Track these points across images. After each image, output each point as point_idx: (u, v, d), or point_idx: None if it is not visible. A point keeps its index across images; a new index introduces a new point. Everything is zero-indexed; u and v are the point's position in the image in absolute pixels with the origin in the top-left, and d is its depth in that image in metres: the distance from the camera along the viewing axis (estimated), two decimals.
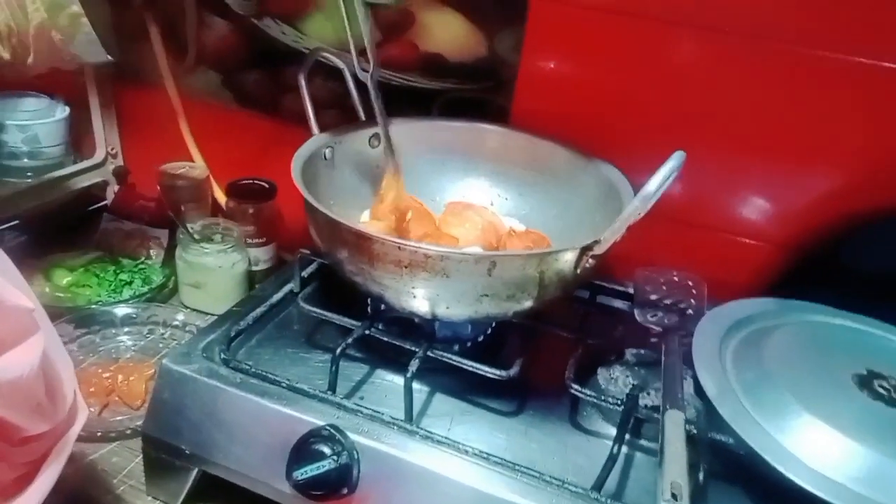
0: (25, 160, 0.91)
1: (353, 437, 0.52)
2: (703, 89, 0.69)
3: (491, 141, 0.75)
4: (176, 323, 0.81)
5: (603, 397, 0.56)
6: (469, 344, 0.64)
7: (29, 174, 0.91)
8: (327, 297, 0.69)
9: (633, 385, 0.59)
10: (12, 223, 0.92)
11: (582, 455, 0.54)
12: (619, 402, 0.55)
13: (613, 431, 0.52)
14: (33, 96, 0.94)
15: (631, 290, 0.69)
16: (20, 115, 0.90)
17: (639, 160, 0.55)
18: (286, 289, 0.68)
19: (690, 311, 0.64)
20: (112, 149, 1.00)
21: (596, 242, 0.52)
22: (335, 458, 0.50)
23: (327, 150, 0.68)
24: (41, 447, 0.45)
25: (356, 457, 0.51)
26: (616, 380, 0.61)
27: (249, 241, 0.89)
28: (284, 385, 0.56)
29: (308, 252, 0.71)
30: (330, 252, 0.57)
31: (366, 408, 0.55)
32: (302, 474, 0.50)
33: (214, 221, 0.87)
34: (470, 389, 0.60)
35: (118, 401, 0.69)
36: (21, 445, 0.43)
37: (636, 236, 0.71)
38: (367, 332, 0.60)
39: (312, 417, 0.53)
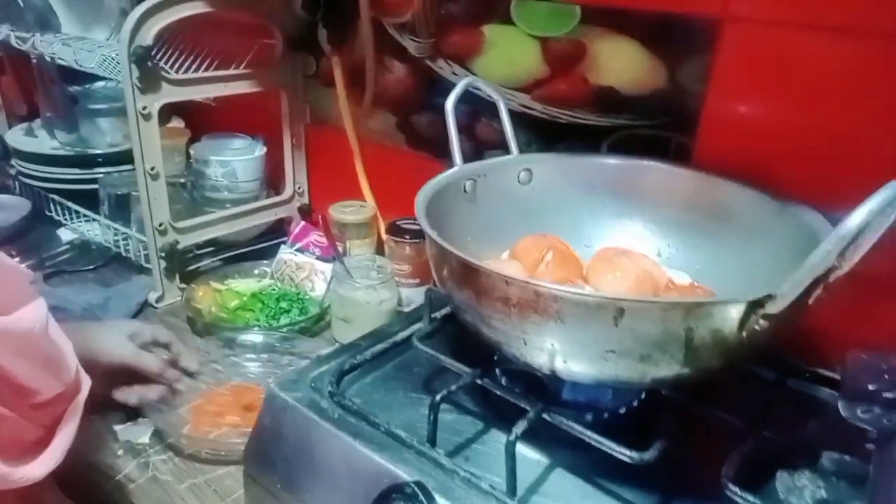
0: (225, 193, 1.00)
1: (440, 501, 0.44)
2: None
3: (660, 181, 0.64)
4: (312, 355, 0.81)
5: None
6: (606, 415, 0.53)
7: (227, 205, 1.00)
8: (455, 342, 0.63)
9: (824, 500, 0.43)
10: (209, 249, 1.01)
11: None
12: None
13: None
14: (238, 137, 1.04)
15: (838, 377, 0.52)
16: (224, 152, 1.00)
17: (851, 205, 0.41)
18: (414, 328, 0.63)
19: None
20: (299, 187, 1.06)
21: (769, 297, 0.39)
22: None
23: (468, 183, 0.63)
24: (55, 411, 0.48)
25: None
26: (802, 490, 0.46)
27: (403, 280, 0.88)
28: (382, 429, 0.51)
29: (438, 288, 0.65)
30: (441, 285, 0.51)
31: (465, 470, 0.47)
32: None
33: (371, 258, 0.87)
34: (599, 471, 0.49)
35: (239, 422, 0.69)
36: (40, 409, 0.46)
37: (851, 306, 0.55)
38: (478, 381, 0.52)
39: (401, 470, 0.47)
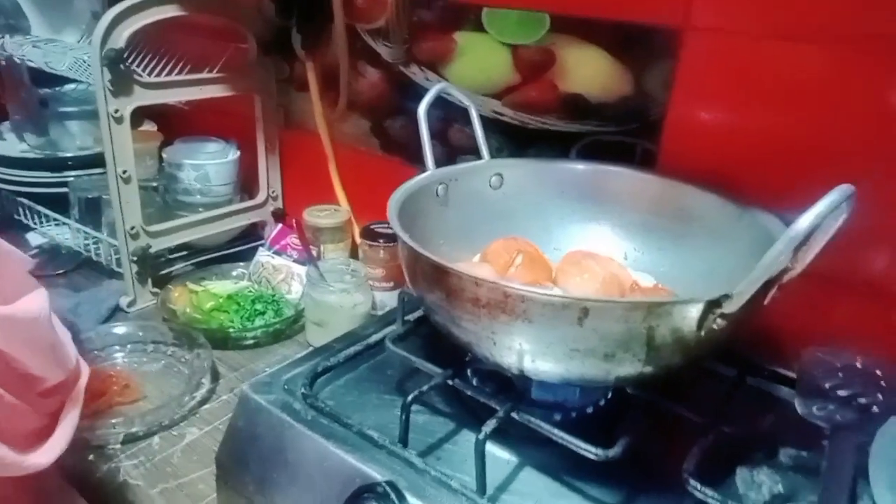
0: (198, 196, 1.00)
1: (411, 500, 0.45)
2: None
3: (626, 186, 0.66)
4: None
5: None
6: (574, 414, 0.54)
7: (200, 209, 1.00)
8: (428, 344, 0.64)
9: (781, 494, 0.45)
10: (182, 253, 1.01)
11: None
12: None
13: None
14: (212, 141, 1.04)
15: (795, 375, 0.54)
16: (197, 156, 1.00)
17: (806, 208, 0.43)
18: (387, 330, 0.64)
19: (876, 409, 0.48)
20: (273, 191, 1.06)
21: (726, 297, 0.41)
22: None
23: (440, 187, 0.64)
24: (59, 400, 0.48)
25: None
26: (760, 486, 0.47)
27: (377, 283, 0.88)
28: (354, 430, 0.51)
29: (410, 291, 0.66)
30: (413, 287, 0.52)
31: (436, 469, 0.48)
32: None
33: (346, 262, 0.88)
34: (567, 468, 0.50)
35: None
36: (46, 397, 0.46)
37: (806, 305, 0.58)
38: (449, 381, 0.53)
39: (373, 470, 0.48)
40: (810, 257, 0.44)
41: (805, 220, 0.38)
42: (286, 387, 0.56)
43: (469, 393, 0.52)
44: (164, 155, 1.02)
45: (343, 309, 0.82)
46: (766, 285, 0.44)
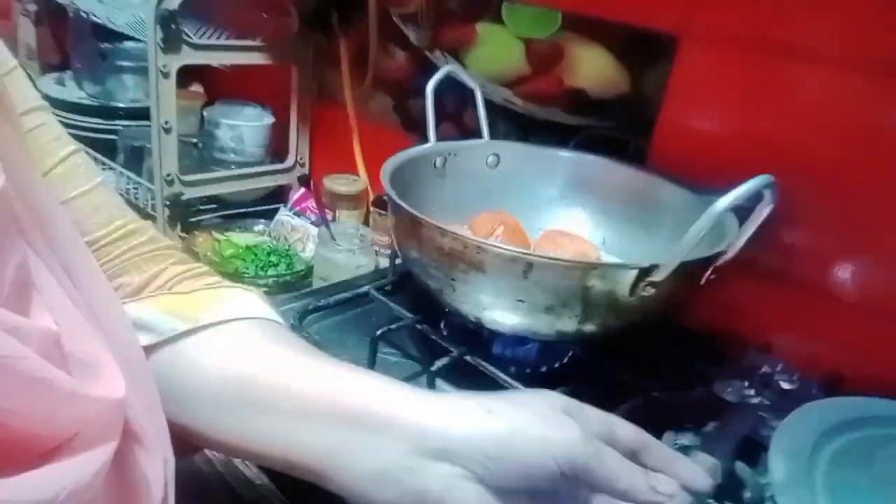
0: (231, 155, 1.09)
1: None
2: (864, 138, 0.58)
3: (609, 177, 0.71)
4: None
5: None
6: (528, 371, 0.60)
7: (232, 167, 1.08)
8: (412, 298, 0.70)
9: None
10: (211, 206, 1.10)
11: None
12: None
13: None
14: (249, 105, 1.12)
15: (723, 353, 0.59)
16: (235, 117, 1.08)
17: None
18: (380, 283, 0.71)
19: (789, 393, 0.53)
20: (300, 157, 1.14)
21: (654, 266, 0.46)
22: None
23: (439, 159, 0.71)
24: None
25: None
26: (683, 450, 0.52)
27: (382, 250, 0.95)
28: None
29: None
30: (395, 237, 0.59)
31: None
32: None
33: (356, 227, 0.95)
34: None
35: None
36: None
37: (748, 297, 0.62)
38: (417, 325, 0.59)
39: None
40: (741, 243, 0.49)
41: (722, 203, 0.43)
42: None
43: (433, 337, 0.59)
44: (204, 113, 1.11)
45: (348, 268, 0.89)
46: (701, 265, 0.50)
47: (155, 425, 0.33)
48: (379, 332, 0.56)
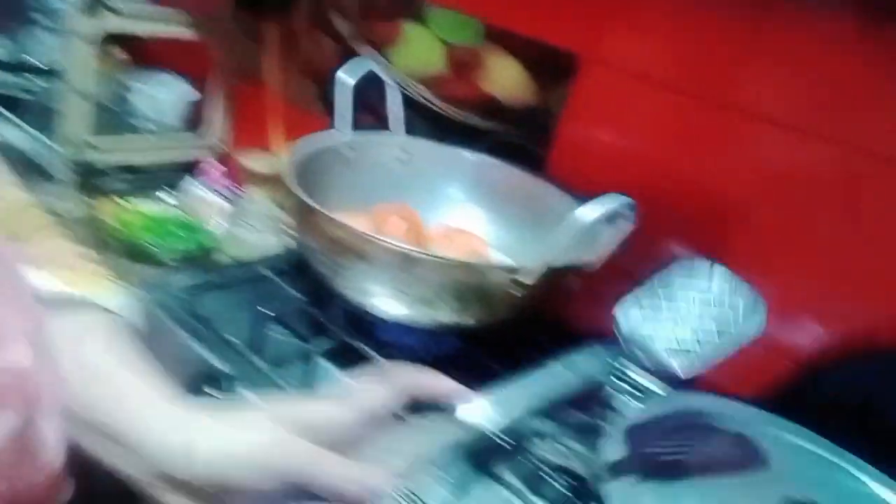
0: (148, 124, 1.07)
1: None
2: (742, 179, 0.64)
3: (507, 181, 0.75)
4: None
5: None
6: (413, 359, 0.63)
7: (148, 137, 1.07)
8: (309, 282, 0.72)
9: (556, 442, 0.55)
10: (122, 175, 1.08)
11: None
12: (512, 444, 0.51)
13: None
14: (171, 75, 1.11)
15: None
16: (155, 87, 1.07)
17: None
18: (278, 265, 0.73)
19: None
20: (219, 133, 1.14)
21: (520, 269, 0.51)
22: None
23: (348, 149, 0.73)
24: None
25: None
26: (543, 435, 0.57)
27: (291, 231, 0.96)
28: (213, 331, 0.60)
29: None
30: (295, 225, 0.61)
31: (275, 373, 0.56)
32: None
33: (267, 207, 0.96)
34: None
35: None
36: None
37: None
38: (307, 308, 0.62)
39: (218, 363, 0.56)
40: (605, 254, 0.54)
41: (581, 216, 0.47)
42: (169, 290, 0.64)
43: (322, 319, 0.61)
44: (124, 80, 1.09)
45: (255, 247, 0.90)
46: (566, 270, 0.54)
47: (55, 394, 0.33)
48: (263, 310, 0.58)
